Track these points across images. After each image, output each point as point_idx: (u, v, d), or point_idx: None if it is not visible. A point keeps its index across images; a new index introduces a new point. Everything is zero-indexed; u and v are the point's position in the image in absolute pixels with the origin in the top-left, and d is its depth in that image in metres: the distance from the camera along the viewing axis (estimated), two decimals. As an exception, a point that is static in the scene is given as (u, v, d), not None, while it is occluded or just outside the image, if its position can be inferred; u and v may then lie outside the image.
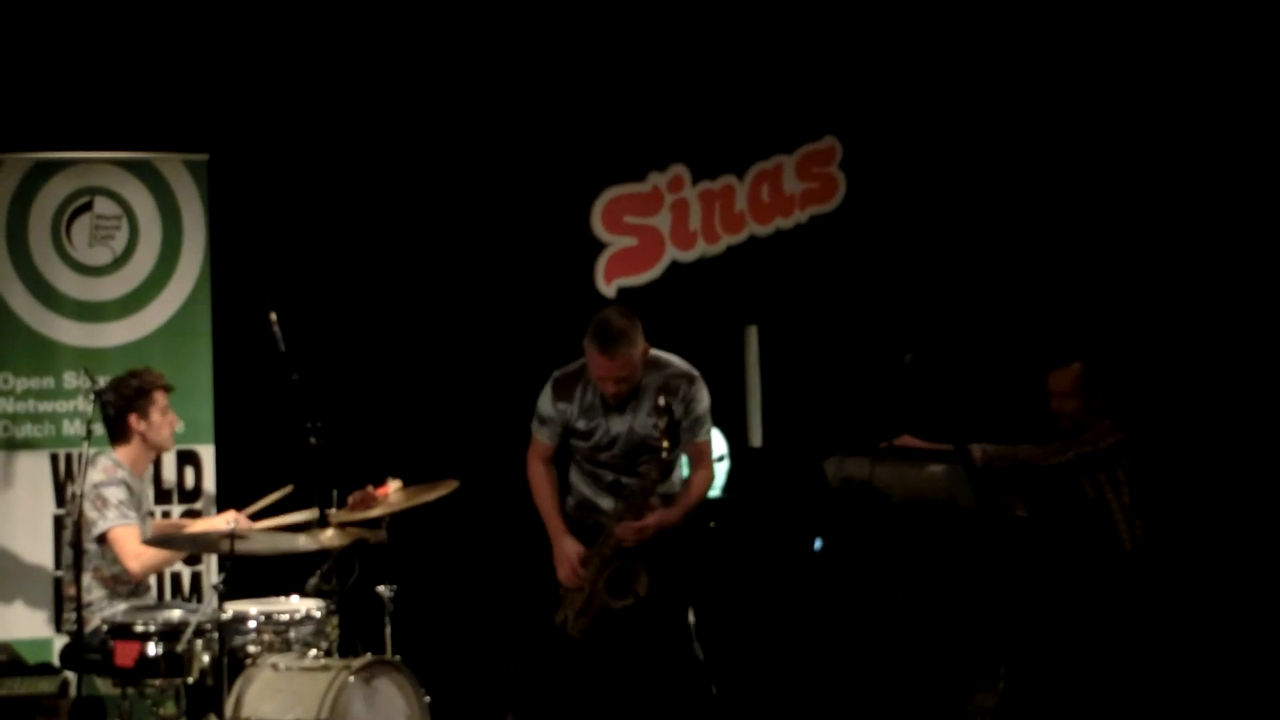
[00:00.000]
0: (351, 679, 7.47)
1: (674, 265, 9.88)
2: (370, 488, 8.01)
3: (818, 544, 8.29)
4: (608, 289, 9.81)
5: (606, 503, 7.92)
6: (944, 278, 9.67)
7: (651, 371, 7.85)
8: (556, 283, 9.73)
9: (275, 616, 7.87)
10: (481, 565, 9.48)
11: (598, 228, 9.83)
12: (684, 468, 8.00)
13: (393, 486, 8.04)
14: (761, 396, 9.74)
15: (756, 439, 9.68)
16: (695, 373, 7.92)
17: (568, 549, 7.87)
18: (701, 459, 7.96)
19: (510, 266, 9.70)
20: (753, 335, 9.73)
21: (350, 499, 7.99)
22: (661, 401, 7.71)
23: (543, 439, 8.01)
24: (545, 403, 7.98)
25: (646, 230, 9.85)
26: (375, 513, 7.91)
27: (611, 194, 9.86)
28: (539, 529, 7.84)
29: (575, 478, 8.04)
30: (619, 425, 7.85)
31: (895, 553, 8.24)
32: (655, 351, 7.88)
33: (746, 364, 9.81)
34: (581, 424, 7.87)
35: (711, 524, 8.38)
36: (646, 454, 7.79)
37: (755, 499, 8.90)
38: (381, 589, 7.92)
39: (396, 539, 7.97)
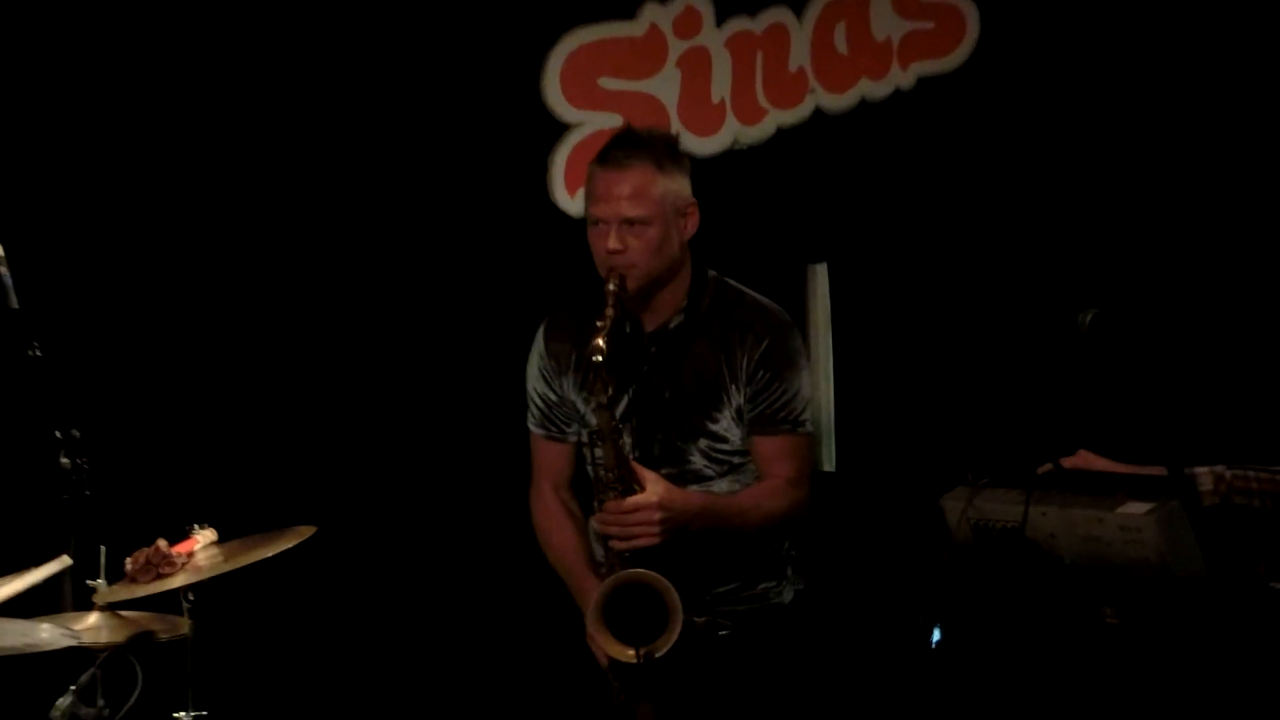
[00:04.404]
0: None
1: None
2: (163, 543, 5.93)
3: (935, 635, 6.12)
4: (571, 203, 7.05)
5: None
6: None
7: (713, 300, 6.01)
8: (477, 195, 7.09)
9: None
10: (344, 668, 7.25)
11: (554, 98, 7.04)
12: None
13: (201, 540, 6.10)
14: (835, 386, 7.33)
15: (827, 459, 7.40)
16: (786, 316, 6.06)
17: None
18: (781, 463, 5.91)
19: (404, 163, 7.03)
20: (819, 277, 7.31)
21: (130, 562, 5.93)
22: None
23: (540, 435, 6.09)
24: (534, 365, 6.12)
25: (638, 100, 7.12)
26: (173, 583, 5.89)
27: (577, 38, 7.06)
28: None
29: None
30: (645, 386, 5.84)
31: (1067, 651, 6.01)
32: (729, 280, 6.10)
33: (811, 329, 7.25)
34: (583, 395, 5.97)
35: (722, 632, 6.42)
36: (700, 436, 5.93)
37: (824, 557, 6.65)
38: (180, 717, 5.88)
39: (208, 628, 5.86)
